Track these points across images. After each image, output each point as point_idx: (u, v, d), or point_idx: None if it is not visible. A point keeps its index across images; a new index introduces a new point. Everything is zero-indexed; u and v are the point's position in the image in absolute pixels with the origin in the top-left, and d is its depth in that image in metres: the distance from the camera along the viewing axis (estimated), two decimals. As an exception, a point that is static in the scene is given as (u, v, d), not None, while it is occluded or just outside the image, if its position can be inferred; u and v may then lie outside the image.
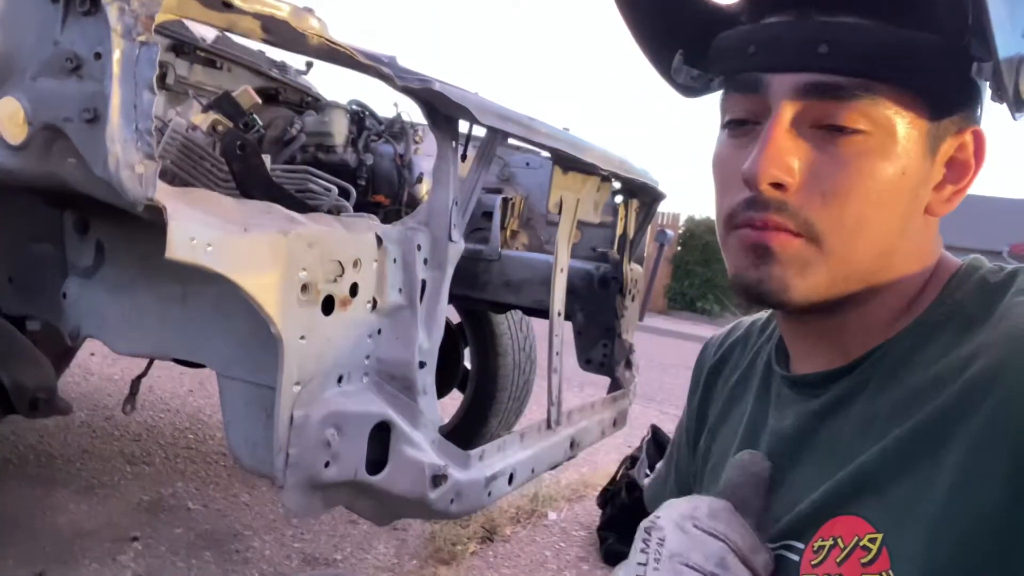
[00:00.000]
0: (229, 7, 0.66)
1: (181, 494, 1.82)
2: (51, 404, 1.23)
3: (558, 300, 1.16)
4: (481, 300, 1.88)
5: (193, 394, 2.77)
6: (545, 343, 1.29)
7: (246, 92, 0.94)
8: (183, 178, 1.01)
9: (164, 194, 0.62)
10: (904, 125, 0.44)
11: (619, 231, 1.59)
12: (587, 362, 1.69)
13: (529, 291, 1.83)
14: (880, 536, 0.41)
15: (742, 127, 0.48)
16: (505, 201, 1.90)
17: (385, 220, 1.15)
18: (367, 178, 1.94)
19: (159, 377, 2.81)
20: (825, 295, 0.46)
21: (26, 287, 0.95)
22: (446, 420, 2.25)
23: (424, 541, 1.73)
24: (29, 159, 0.66)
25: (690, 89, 0.57)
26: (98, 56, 0.62)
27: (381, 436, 0.81)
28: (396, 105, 2.01)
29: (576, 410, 1.30)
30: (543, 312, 1.74)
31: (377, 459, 0.81)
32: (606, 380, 1.65)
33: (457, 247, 0.91)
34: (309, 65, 2.14)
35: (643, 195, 1.49)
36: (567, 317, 1.65)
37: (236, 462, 0.77)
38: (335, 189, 1.05)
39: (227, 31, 0.71)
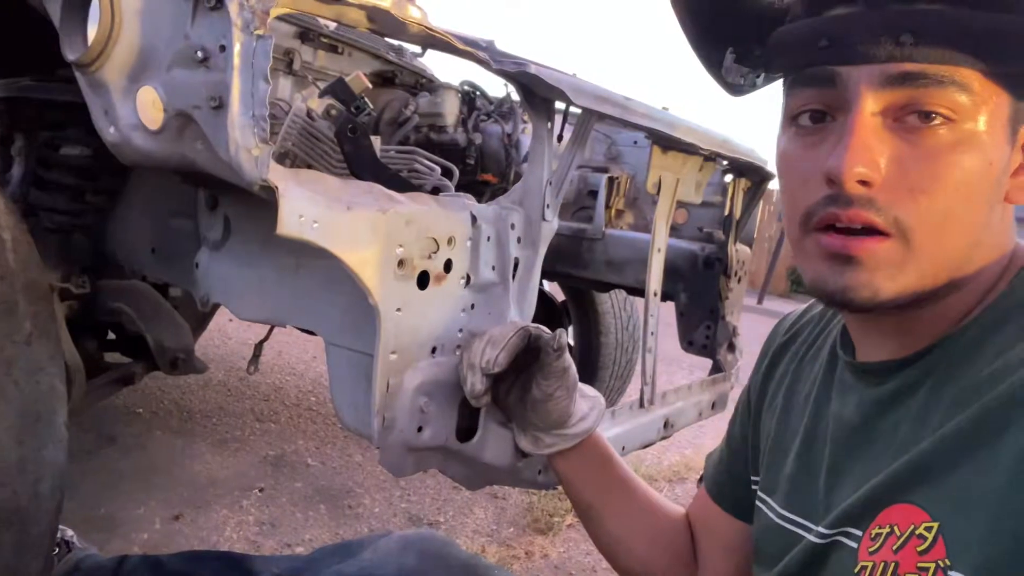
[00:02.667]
0: (337, 0, 0.70)
1: (302, 451, 1.97)
2: (189, 363, 1.37)
3: (654, 280, 1.16)
4: (584, 279, 1.89)
5: (316, 360, 2.96)
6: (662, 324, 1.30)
7: (358, 77, 0.99)
8: (304, 159, 1.08)
9: (276, 174, 0.68)
10: (988, 112, 0.43)
11: (726, 211, 1.55)
12: (689, 343, 1.67)
13: (632, 271, 1.83)
14: (936, 525, 0.41)
15: (814, 123, 0.47)
16: (611, 180, 1.90)
17: (492, 198, 1.20)
18: (476, 157, 1.99)
19: (288, 344, 3.02)
20: (913, 294, 0.45)
21: (166, 257, 1.07)
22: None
23: (522, 510, 1.79)
24: (165, 142, 0.74)
25: (739, 88, 0.57)
26: (222, 48, 0.68)
27: (472, 406, 0.85)
28: (506, 86, 2.04)
29: (672, 391, 1.30)
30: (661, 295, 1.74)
31: (469, 427, 0.85)
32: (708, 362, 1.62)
33: (550, 226, 0.93)
34: (425, 48, 2.21)
35: (751, 174, 1.45)
36: (670, 298, 1.64)
37: (340, 422, 0.84)
38: (438, 169, 1.10)
39: (336, 22, 0.76)
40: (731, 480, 0.70)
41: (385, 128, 1.86)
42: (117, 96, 0.76)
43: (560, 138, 1.01)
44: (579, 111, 0.92)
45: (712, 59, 0.55)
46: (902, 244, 0.44)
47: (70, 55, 0.76)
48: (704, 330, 1.62)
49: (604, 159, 2.02)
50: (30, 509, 0.80)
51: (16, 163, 1.08)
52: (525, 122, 2.06)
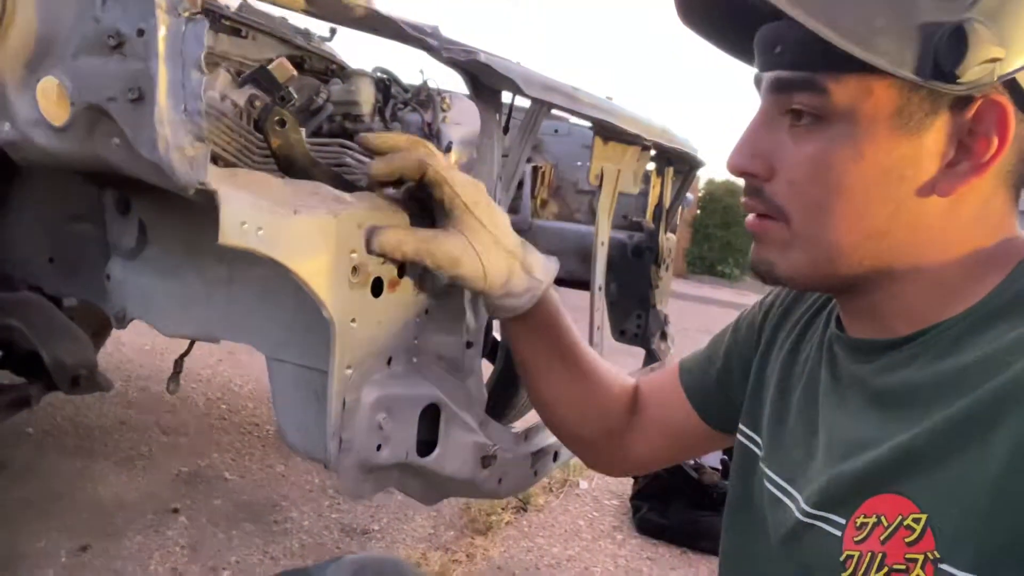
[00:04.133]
0: (271, -22, 0.63)
1: (217, 465, 1.85)
2: (92, 381, 1.24)
3: (599, 274, 1.14)
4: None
5: (223, 363, 2.80)
6: (578, 314, 1.28)
7: (281, 64, 0.91)
8: (220, 155, 0.99)
9: (215, 177, 0.60)
10: (858, 109, 0.46)
11: (653, 200, 1.55)
12: (621, 333, 1.68)
13: (562, 261, 1.81)
14: (924, 517, 0.41)
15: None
16: (535, 170, 1.87)
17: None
18: (395, 147, 1.92)
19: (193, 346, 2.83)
20: (813, 274, 0.50)
21: (67, 267, 0.95)
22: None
23: (459, 511, 1.75)
24: (72, 140, 0.65)
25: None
26: (141, 32, 0.60)
27: (432, 417, 0.80)
28: (422, 72, 1.97)
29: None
30: (575, 283, 1.73)
31: (427, 440, 0.80)
32: (642, 352, 1.63)
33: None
34: (333, 32, 2.10)
35: (680, 163, 1.45)
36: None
37: (289, 447, 0.77)
38: (368, 160, 1.03)
39: (270, 2, 0.68)
40: (707, 373, 0.72)
41: (296, 117, 1.76)
42: (13, 88, 0.65)
43: (506, 130, 0.97)
44: (528, 102, 0.88)
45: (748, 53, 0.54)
46: (785, 227, 0.50)
47: (-50, 40, 0.65)
48: (636, 319, 1.63)
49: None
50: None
51: None
52: (444, 110, 2.00)
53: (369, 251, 0.66)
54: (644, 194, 1.67)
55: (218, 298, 0.78)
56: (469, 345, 0.84)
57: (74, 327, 1.22)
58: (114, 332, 2.88)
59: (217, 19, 1.63)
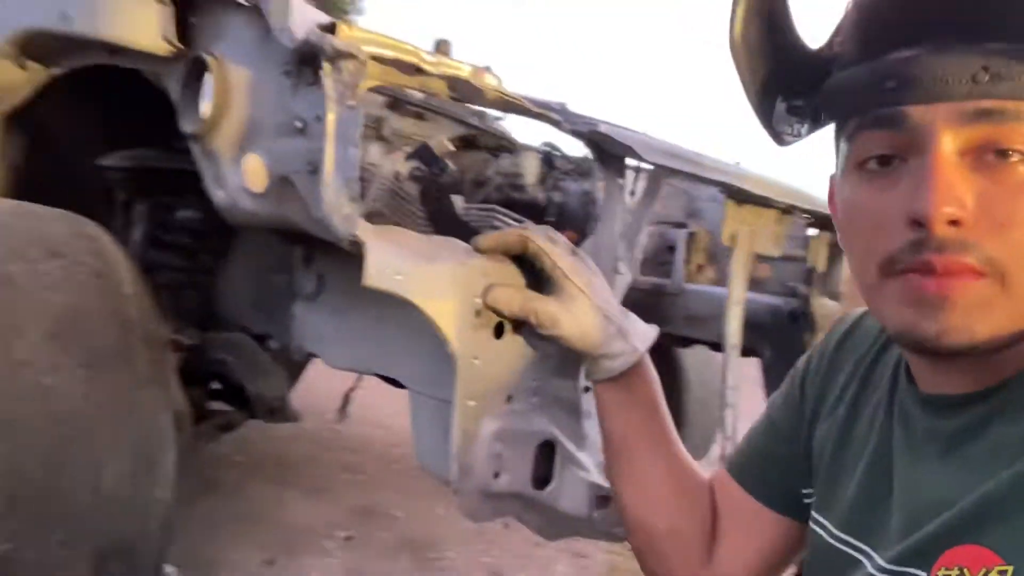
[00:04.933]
0: (421, 72, 0.77)
1: (388, 502, 2.01)
2: (283, 412, 1.45)
3: (732, 334, 1.16)
4: (665, 334, 1.88)
5: (401, 415, 3.02)
6: (749, 385, 1.27)
7: (440, 142, 1.06)
8: (392, 219, 1.16)
9: (364, 231, 0.73)
10: None
11: (808, 265, 1.53)
12: (776, 400, 1.63)
13: (713, 326, 1.80)
14: (1011, 569, 0.39)
15: (882, 167, 0.47)
16: (690, 235, 1.90)
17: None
18: (555, 214, 2.04)
19: (377, 398, 3.11)
20: (1009, 335, 0.44)
21: (265, 310, 1.15)
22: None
23: (605, 570, 1.76)
24: (268, 204, 0.82)
25: (786, 137, 0.58)
26: (318, 119, 0.76)
27: (548, 454, 0.87)
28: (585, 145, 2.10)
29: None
30: (744, 350, 1.72)
31: (545, 475, 0.87)
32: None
33: (624, 279, 0.95)
34: (505, 112, 2.31)
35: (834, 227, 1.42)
36: (755, 353, 1.61)
37: (422, 468, 0.87)
38: (513, 223, 1.14)
39: (420, 91, 0.82)
40: (762, 462, 0.69)
41: (468, 188, 1.95)
42: (226, 163, 0.84)
43: (634, 193, 1.04)
44: (650, 167, 0.95)
45: (764, 108, 0.57)
46: (997, 282, 0.43)
47: (187, 127, 0.86)
48: (791, 386, 1.58)
49: (683, 215, 2.03)
50: (139, 544, 0.86)
51: (137, 225, 1.21)
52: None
53: (484, 303, 0.76)
54: (805, 260, 1.65)
55: (372, 336, 0.91)
56: (587, 389, 0.90)
57: (273, 365, 1.44)
58: (312, 380, 3.25)
59: (403, 105, 1.88)
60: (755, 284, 2.01)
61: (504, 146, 2.18)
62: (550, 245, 0.76)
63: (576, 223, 2.06)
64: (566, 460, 0.86)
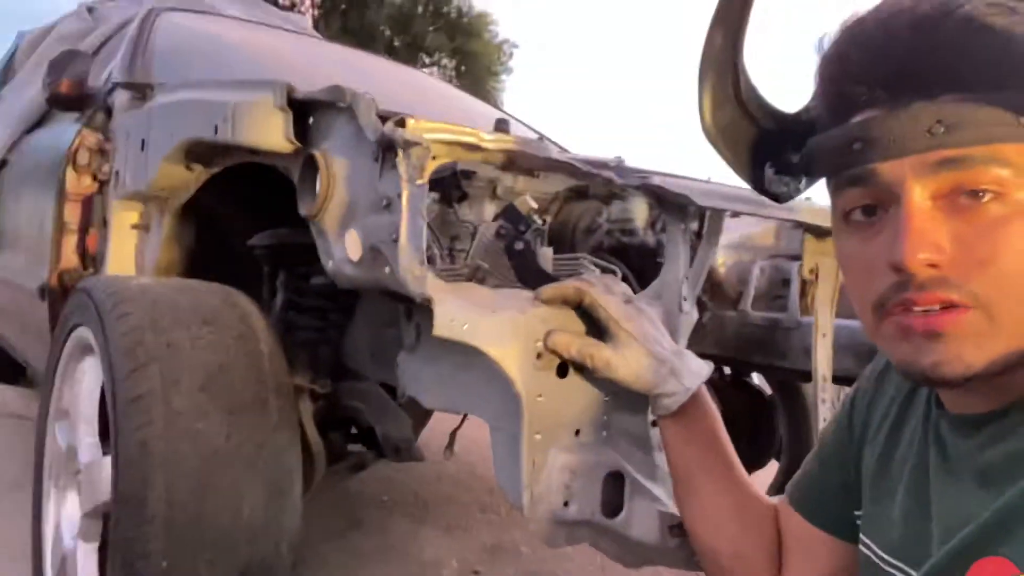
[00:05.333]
0: (480, 149, 0.89)
1: (517, 541, 2.10)
2: (409, 452, 1.59)
3: (822, 364, 1.16)
4: (785, 369, 1.85)
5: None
6: None
7: (523, 201, 1.17)
8: (492, 274, 1.28)
9: (435, 288, 0.85)
10: None
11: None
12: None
13: (842, 357, 1.76)
14: None
15: (867, 216, 0.52)
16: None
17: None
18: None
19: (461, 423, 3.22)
20: (1004, 361, 0.47)
21: (380, 360, 1.30)
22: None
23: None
24: (364, 270, 0.97)
25: (783, 195, 0.62)
26: (399, 196, 0.90)
27: (619, 485, 0.93)
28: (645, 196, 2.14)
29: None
30: (841, 378, 1.66)
31: (617, 505, 0.93)
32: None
33: (689, 318, 1.00)
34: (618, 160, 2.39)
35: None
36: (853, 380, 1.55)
37: (505, 496, 0.96)
38: (596, 271, 1.22)
39: (481, 163, 0.94)
40: (818, 489, 0.72)
41: (580, 236, 2.04)
42: (333, 238, 1.00)
43: (699, 235, 1.09)
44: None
45: (754, 177, 0.63)
46: (984, 315, 0.46)
47: (303, 210, 1.03)
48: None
49: (800, 247, 1.99)
50: (272, 564, 1.02)
51: (279, 292, 1.41)
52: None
53: (545, 346, 0.85)
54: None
55: (459, 379, 1.03)
56: (654, 424, 0.95)
57: (399, 410, 1.59)
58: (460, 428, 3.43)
59: (515, 164, 2.02)
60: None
61: (616, 193, 2.27)
62: (605, 296, 0.84)
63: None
64: (635, 490, 0.92)
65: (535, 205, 1.23)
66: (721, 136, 0.62)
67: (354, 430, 1.75)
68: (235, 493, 0.97)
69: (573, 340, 0.84)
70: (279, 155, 1.11)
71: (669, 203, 1.00)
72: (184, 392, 0.98)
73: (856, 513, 0.68)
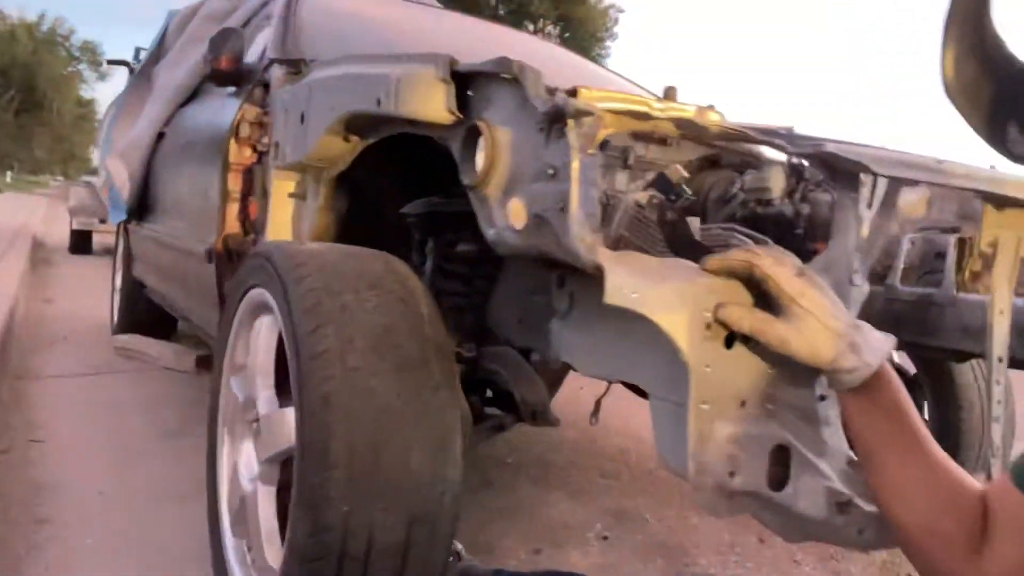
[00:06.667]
0: (650, 117, 0.89)
1: (641, 508, 2.12)
2: (544, 416, 1.63)
3: (997, 345, 1.09)
4: (936, 348, 1.75)
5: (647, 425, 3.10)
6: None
7: (675, 170, 1.16)
8: (635, 243, 1.28)
9: (604, 257, 0.87)
10: None
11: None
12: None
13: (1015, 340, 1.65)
14: None
15: None
16: (961, 241, 1.75)
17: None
18: (805, 226, 2.00)
19: (635, 413, 3.22)
20: None
21: (528, 326, 1.34)
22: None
23: (869, 593, 1.68)
24: (527, 237, 0.99)
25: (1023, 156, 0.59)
26: (565, 166, 0.91)
27: (784, 458, 0.92)
28: (814, 165, 2.05)
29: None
30: (1015, 362, 1.56)
31: (782, 479, 0.92)
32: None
33: (860, 290, 0.97)
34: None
35: None
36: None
37: (664, 466, 0.97)
38: (750, 242, 1.20)
39: (650, 133, 0.94)
40: None
41: (712, 206, 1.99)
42: (495, 206, 1.03)
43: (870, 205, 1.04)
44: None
45: (996, 136, 0.60)
46: None
47: (465, 179, 1.07)
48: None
49: (955, 218, 1.87)
50: (438, 515, 1.07)
51: (428, 259, 1.47)
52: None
53: (716, 319, 0.85)
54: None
55: (618, 347, 1.04)
56: (822, 398, 0.93)
57: (535, 375, 1.64)
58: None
59: (646, 134, 2.00)
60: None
61: (749, 162, 2.19)
62: (776, 268, 0.83)
63: (826, 234, 2.00)
64: (802, 464, 0.91)
65: (686, 174, 1.22)
66: (962, 91, 0.59)
67: (489, 393, 1.81)
68: (404, 446, 1.03)
69: (745, 314, 0.84)
70: (438, 126, 1.15)
71: (840, 173, 0.96)
72: (358, 351, 1.04)
73: None
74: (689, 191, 1.30)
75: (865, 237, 0.97)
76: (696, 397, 0.88)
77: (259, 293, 1.26)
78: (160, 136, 2.85)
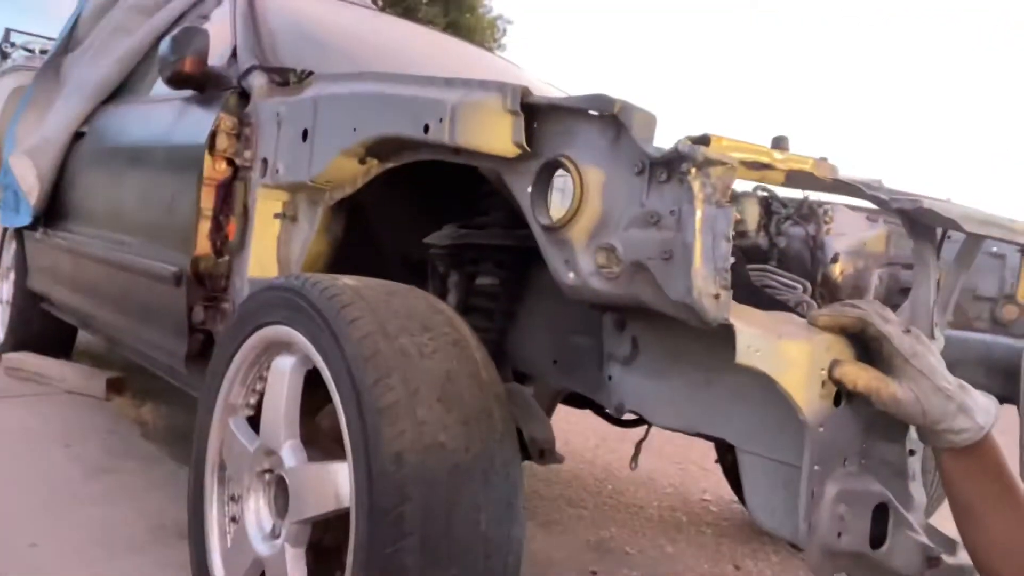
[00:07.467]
0: (771, 168, 0.86)
1: (617, 539, 2.10)
2: (551, 454, 1.58)
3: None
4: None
5: (599, 448, 3.11)
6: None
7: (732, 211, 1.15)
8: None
9: (732, 312, 0.83)
10: None
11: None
12: (1045, 453, 1.56)
13: (962, 371, 1.75)
14: None
15: None
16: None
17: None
18: (777, 260, 2.06)
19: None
20: None
21: (567, 368, 1.28)
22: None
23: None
24: (619, 286, 0.94)
25: None
26: (673, 213, 0.87)
27: (881, 515, 0.92)
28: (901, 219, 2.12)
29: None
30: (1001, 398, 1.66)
31: (879, 536, 0.92)
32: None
33: (939, 343, 0.99)
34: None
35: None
36: (1010, 400, 1.55)
37: (759, 525, 0.95)
38: (799, 287, 1.20)
39: (760, 182, 0.92)
40: None
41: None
42: (580, 250, 0.97)
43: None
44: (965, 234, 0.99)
45: None
46: None
47: (542, 220, 1.00)
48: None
49: (913, 255, 1.98)
50: (503, 576, 1.00)
51: (451, 292, 1.38)
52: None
53: (830, 377, 0.83)
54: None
55: (698, 398, 1.01)
56: (912, 452, 0.94)
57: (541, 412, 1.58)
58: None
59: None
60: (1002, 327, 1.93)
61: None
62: (887, 327, 0.82)
63: (801, 267, 2.07)
64: (899, 520, 0.91)
65: (739, 216, 1.21)
66: None
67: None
68: (475, 506, 0.95)
69: (860, 373, 0.83)
70: (495, 158, 1.07)
71: (920, 225, 0.98)
72: (424, 402, 0.95)
73: None
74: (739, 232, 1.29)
75: (943, 291, 0.99)
76: (811, 458, 0.86)
77: (281, 332, 1.14)
78: (78, 136, 2.57)
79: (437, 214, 1.46)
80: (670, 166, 0.87)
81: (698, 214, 0.83)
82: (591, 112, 0.96)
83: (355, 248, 1.54)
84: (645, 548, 2.05)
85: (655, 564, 1.95)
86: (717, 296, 0.82)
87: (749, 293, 1.12)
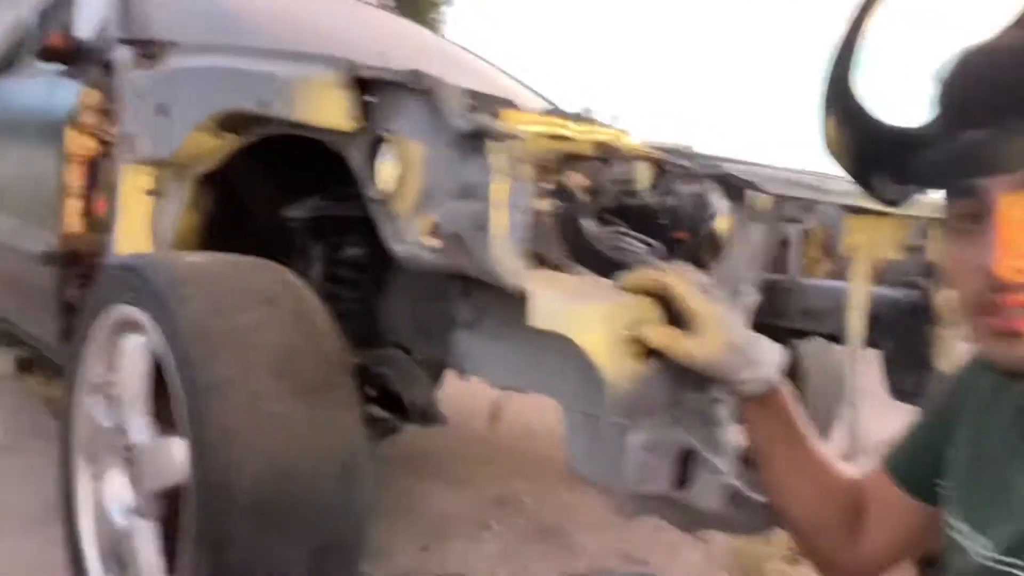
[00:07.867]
0: (570, 140, 0.90)
1: (519, 491, 2.18)
2: (433, 416, 1.63)
3: (855, 339, 1.23)
4: (779, 328, 1.94)
5: (513, 408, 3.19)
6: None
7: (575, 178, 1.19)
8: (541, 256, 1.28)
9: (528, 280, 0.87)
10: None
11: (928, 257, 1.56)
12: (898, 392, 1.67)
13: (831, 319, 1.85)
14: None
15: (971, 225, 0.58)
16: (805, 232, 1.94)
17: (686, 255, 1.33)
18: (669, 217, 2.12)
19: (484, 391, 3.28)
20: None
21: (426, 334, 1.32)
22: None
23: (730, 553, 1.86)
24: (442, 256, 0.98)
25: (896, 201, 0.68)
26: (483, 185, 0.90)
27: (687, 459, 0.99)
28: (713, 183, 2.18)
29: (883, 442, 1.34)
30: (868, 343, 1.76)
31: (684, 478, 0.99)
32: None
33: (748, 298, 1.05)
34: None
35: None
36: (875, 346, 1.65)
37: (574, 474, 1.01)
38: (643, 248, 1.26)
39: (569, 154, 0.95)
40: (914, 459, 0.78)
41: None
42: (405, 222, 1.00)
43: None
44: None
45: (869, 183, 0.68)
46: None
47: (370, 192, 1.03)
48: (914, 378, 1.62)
49: (797, 211, 2.07)
50: (347, 542, 1.04)
51: (315, 264, 1.40)
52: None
53: (632, 335, 0.89)
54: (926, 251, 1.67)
55: (528, 360, 1.06)
56: (715, 401, 1.01)
57: (423, 375, 1.62)
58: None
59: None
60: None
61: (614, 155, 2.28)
62: (684, 286, 0.88)
63: (688, 225, 2.14)
64: (702, 465, 0.98)
65: (587, 182, 1.25)
66: (842, 151, 0.67)
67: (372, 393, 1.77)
68: (313, 474, 0.99)
69: (656, 331, 0.88)
70: (333, 132, 1.09)
71: (733, 189, 1.03)
72: (258, 377, 0.98)
73: (936, 481, 0.74)
74: (586, 197, 1.33)
75: (754, 249, 1.05)
76: (613, 411, 0.92)
77: (126, 311, 1.15)
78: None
79: (311, 187, 1.47)
80: (475, 140, 0.90)
81: (494, 185, 0.87)
82: (414, 87, 0.98)
83: (230, 222, 1.55)
84: (544, 499, 2.14)
85: (548, 514, 2.03)
86: (511, 264, 0.86)
87: (590, 255, 1.17)
